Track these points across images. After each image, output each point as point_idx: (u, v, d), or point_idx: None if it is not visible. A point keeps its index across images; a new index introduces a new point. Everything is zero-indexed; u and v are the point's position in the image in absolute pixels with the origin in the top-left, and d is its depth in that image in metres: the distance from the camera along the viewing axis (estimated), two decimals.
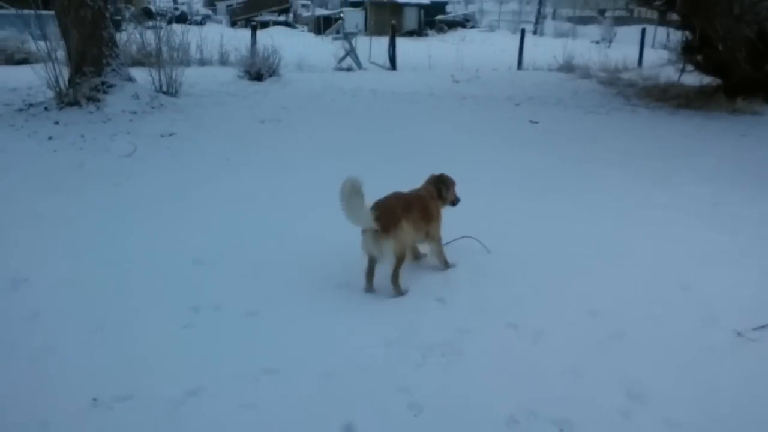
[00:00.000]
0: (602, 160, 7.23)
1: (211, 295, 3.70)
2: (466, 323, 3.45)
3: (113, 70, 9.44)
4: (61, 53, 9.32)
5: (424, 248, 4.26)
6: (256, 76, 12.97)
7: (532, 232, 4.84)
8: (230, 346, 3.20)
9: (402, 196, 3.89)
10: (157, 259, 4.24)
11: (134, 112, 8.90)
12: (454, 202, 4.34)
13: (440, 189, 4.20)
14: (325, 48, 19.90)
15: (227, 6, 43.58)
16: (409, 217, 3.77)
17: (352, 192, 3.45)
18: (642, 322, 3.49)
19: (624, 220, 5.18)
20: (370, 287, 3.82)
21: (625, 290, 3.90)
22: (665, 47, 14.53)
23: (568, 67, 16.38)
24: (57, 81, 8.95)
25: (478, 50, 22.92)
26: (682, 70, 12.82)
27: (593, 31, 30.64)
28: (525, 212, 5.27)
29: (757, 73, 10.59)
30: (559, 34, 31.78)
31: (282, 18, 39.10)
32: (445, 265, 4.16)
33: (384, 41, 18.10)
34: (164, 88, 10.29)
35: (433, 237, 4.09)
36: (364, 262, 3.80)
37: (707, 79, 12.33)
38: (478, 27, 40.36)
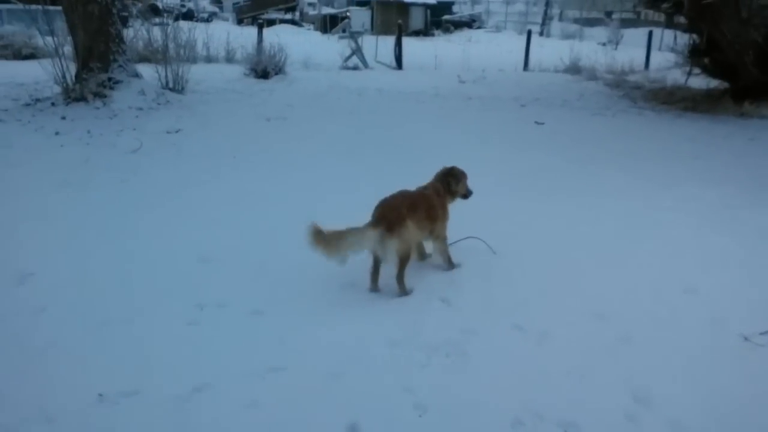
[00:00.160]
0: (608, 162, 7.21)
1: (216, 293, 3.71)
2: (471, 324, 3.44)
3: (120, 66, 9.46)
4: (68, 49, 9.36)
5: (430, 247, 4.25)
6: (262, 74, 12.98)
7: (537, 233, 4.83)
8: (235, 344, 3.21)
9: (407, 195, 3.87)
10: (162, 255, 4.25)
11: (140, 109, 8.92)
12: (466, 195, 4.28)
13: (449, 183, 4.15)
14: (332, 47, 19.91)
15: (234, 3, 43.58)
16: (414, 216, 3.74)
17: (332, 237, 3.41)
18: (648, 325, 3.48)
19: (630, 223, 5.16)
20: (375, 287, 3.81)
21: (631, 293, 3.88)
22: (672, 50, 14.48)
23: (574, 69, 16.34)
24: (64, 76, 8.98)
25: (485, 51, 22.88)
26: (689, 73, 12.78)
27: (600, 33, 30.51)
28: (530, 213, 5.26)
29: (765, 77, 10.53)
30: (566, 36, 31.71)
31: (288, 16, 39.07)
32: (450, 264, 4.15)
33: (390, 40, 18.10)
34: (170, 85, 10.31)
35: (438, 236, 4.06)
36: (369, 262, 3.80)
37: (714, 83, 12.29)
38: (485, 27, 40.27)
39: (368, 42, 18.99)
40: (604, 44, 25.42)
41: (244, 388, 2.82)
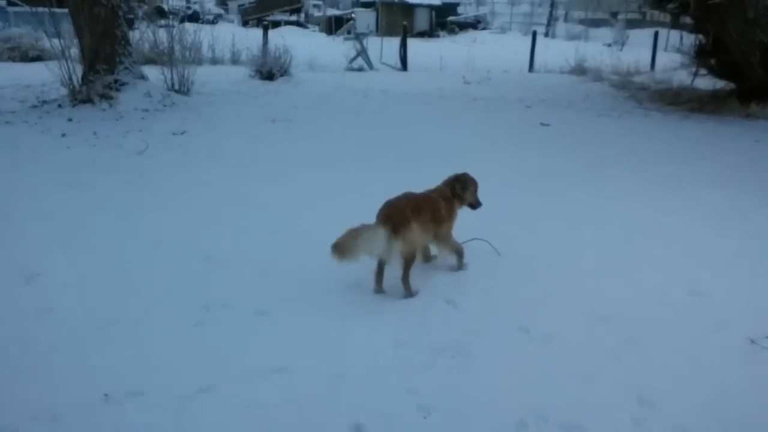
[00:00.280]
0: (614, 163, 7.18)
1: (222, 294, 3.72)
2: (476, 325, 3.43)
3: (126, 68, 9.50)
4: (74, 51, 9.43)
5: (435, 249, 4.25)
6: (268, 76, 13.01)
7: (542, 234, 4.81)
8: (240, 345, 3.21)
9: (413, 197, 3.86)
10: (167, 256, 4.27)
11: (146, 110, 8.96)
12: (474, 205, 4.22)
13: (454, 187, 4.12)
14: (337, 48, 19.94)
15: (239, 5, 43.79)
16: (419, 218, 3.73)
17: (346, 243, 3.40)
18: (653, 328, 3.46)
19: (635, 225, 5.14)
20: (379, 288, 3.81)
21: (636, 295, 3.87)
22: (678, 51, 14.45)
23: (579, 70, 16.32)
24: (70, 78, 9.03)
25: (490, 52, 22.87)
26: (695, 74, 12.74)
27: (605, 33, 30.48)
28: (535, 215, 5.25)
29: None
30: (571, 37, 31.66)
31: (293, 18, 39.17)
32: (460, 261, 4.14)
33: (395, 42, 18.10)
34: (176, 87, 10.35)
35: (441, 239, 4.04)
36: (374, 263, 3.80)
37: (720, 84, 12.24)
38: (490, 28, 40.29)
39: (373, 43, 19.01)
40: (609, 45, 25.40)
41: (248, 389, 2.83)
